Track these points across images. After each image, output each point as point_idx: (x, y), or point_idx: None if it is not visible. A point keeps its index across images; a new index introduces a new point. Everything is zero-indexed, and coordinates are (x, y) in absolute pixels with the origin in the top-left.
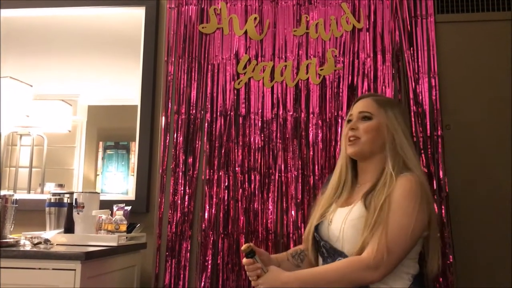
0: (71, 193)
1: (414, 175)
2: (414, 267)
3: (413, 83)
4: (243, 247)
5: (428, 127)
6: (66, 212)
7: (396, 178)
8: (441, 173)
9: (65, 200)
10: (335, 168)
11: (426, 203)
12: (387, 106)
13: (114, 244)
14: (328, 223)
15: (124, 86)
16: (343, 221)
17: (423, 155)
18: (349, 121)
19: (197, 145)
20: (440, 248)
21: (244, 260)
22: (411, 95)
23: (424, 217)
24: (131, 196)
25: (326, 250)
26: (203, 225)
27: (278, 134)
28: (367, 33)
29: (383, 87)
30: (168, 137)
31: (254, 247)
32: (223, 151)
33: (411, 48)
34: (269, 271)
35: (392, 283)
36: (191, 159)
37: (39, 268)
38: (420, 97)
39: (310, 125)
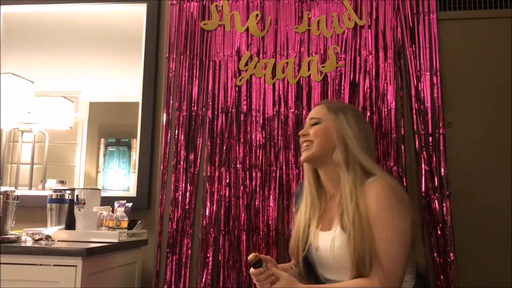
0: (73, 190)
1: (380, 181)
2: (412, 267)
3: (415, 81)
4: (250, 257)
5: (429, 124)
6: (67, 209)
7: (362, 187)
8: (442, 171)
9: (67, 197)
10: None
11: (403, 205)
12: (338, 110)
13: (115, 240)
14: (315, 250)
15: (125, 83)
16: (330, 250)
17: (424, 152)
18: None
19: (198, 142)
20: (423, 241)
21: (252, 271)
22: (413, 93)
23: (407, 222)
24: (132, 192)
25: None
26: (204, 222)
27: (280, 131)
28: (369, 30)
29: (385, 85)
30: (169, 134)
31: (260, 256)
32: (224, 148)
33: (413, 46)
34: (281, 279)
35: None
36: (192, 156)
37: (40, 264)
38: (422, 95)
39: None
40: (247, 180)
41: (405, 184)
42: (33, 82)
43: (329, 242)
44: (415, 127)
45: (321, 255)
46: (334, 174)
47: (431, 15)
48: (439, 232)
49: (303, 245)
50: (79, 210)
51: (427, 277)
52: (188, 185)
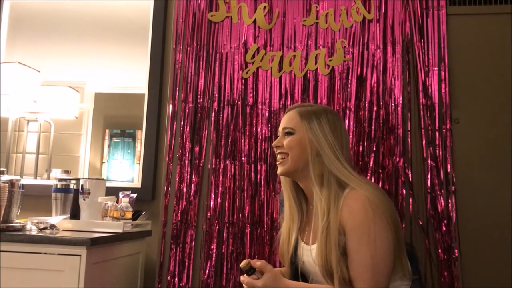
0: (78, 179)
1: (355, 194)
2: (404, 272)
3: (423, 76)
4: (242, 264)
5: (437, 120)
6: (72, 198)
7: (337, 202)
8: (448, 167)
9: (72, 186)
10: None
11: (380, 218)
12: (312, 117)
13: (120, 231)
14: (302, 263)
15: (131, 74)
16: (314, 265)
17: (431, 148)
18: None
19: (204, 134)
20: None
21: (243, 279)
22: (421, 88)
23: (386, 234)
24: (137, 183)
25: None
26: (209, 214)
27: None
28: (377, 24)
29: (392, 79)
30: (175, 126)
31: (253, 263)
32: (229, 140)
33: (422, 40)
34: (266, 272)
35: None
36: (198, 148)
37: (45, 253)
38: (430, 90)
39: None
40: (252, 173)
41: (410, 179)
42: (39, 71)
43: (311, 256)
44: (422, 122)
45: (307, 269)
46: (314, 186)
47: (441, 10)
48: (443, 229)
49: (289, 256)
50: (84, 200)
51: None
52: (193, 176)
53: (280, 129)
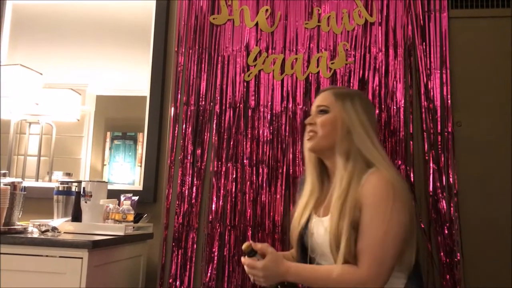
0: (79, 182)
1: (379, 173)
2: (407, 264)
3: (425, 79)
4: (244, 246)
5: (438, 123)
6: (73, 201)
7: (360, 178)
8: (450, 170)
9: (73, 189)
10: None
11: (399, 201)
12: (346, 98)
13: (121, 233)
14: (311, 235)
15: (133, 76)
16: (324, 235)
17: (433, 151)
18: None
19: (205, 137)
20: (416, 244)
21: (244, 260)
22: (422, 91)
23: (403, 217)
24: (139, 186)
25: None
26: (210, 217)
27: (287, 127)
28: (379, 27)
29: (394, 82)
30: (176, 128)
31: (254, 245)
32: (231, 143)
33: (424, 43)
34: (267, 255)
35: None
36: (200, 151)
37: (47, 256)
38: (432, 93)
39: None
40: (254, 176)
41: (412, 182)
42: (41, 74)
43: (323, 228)
44: (424, 125)
45: (316, 241)
46: (339, 161)
47: (442, 13)
48: (446, 232)
49: (300, 229)
50: (86, 202)
51: (421, 277)
52: (195, 179)
53: (313, 107)
